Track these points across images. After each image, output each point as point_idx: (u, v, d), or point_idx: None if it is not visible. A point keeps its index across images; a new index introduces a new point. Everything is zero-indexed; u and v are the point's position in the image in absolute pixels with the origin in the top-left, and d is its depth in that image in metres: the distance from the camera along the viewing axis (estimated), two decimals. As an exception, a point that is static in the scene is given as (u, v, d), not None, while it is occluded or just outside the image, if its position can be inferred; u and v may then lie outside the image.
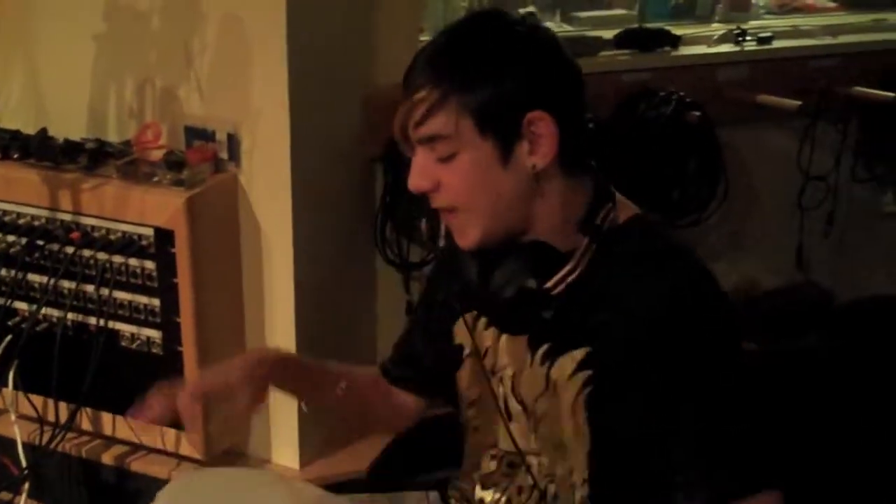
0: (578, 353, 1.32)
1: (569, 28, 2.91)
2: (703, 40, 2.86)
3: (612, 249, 1.32)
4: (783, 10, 3.29)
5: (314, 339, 2.08)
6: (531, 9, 4.22)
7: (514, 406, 1.42)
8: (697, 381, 1.27)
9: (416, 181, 1.32)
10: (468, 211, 1.31)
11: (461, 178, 1.29)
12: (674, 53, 2.74)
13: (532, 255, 1.31)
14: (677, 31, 2.80)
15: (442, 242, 1.42)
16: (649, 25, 2.86)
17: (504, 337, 1.42)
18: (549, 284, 1.30)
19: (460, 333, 1.48)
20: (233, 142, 1.97)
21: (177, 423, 1.43)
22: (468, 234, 1.33)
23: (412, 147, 1.32)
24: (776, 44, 2.92)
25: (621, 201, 1.37)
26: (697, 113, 2.53)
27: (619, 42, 2.69)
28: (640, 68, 2.65)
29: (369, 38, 2.11)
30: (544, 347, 1.36)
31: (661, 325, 1.27)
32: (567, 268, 1.30)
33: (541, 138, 1.27)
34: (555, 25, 2.97)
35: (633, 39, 2.70)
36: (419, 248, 2.28)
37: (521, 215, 1.32)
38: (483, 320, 1.44)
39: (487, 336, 1.44)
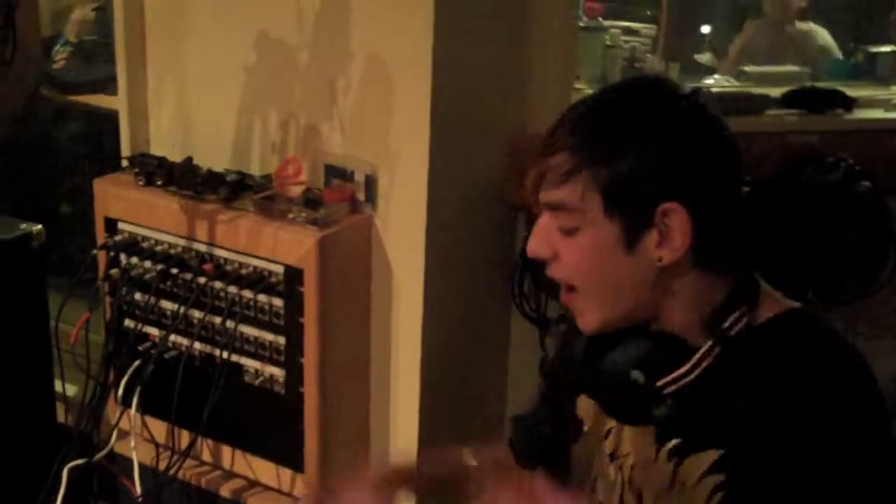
0: (710, 455, 1.20)
1: (735, 83, 2.79)
2: (881, 104, 2.68)
3: (744, 354, 1.19)
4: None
5: (440, 392, 2.02)
6: (708, 55, 4.11)
7: (629, 499, 1.31)
8: (838, 496, 1.13)
9: (535, 246, 1.23)
10: (586, 294, 1.22)
11: (579, 255, 1.20)
12: (846, 117, 2.58)
13: (650, 346, 1.20)
14: (853, 93, 2.63)
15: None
16: (822, 85, 2.70)
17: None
18: (661, 382, 1.19)
19: (583, 407, 1.38)
20: (370, 183, 1.93)
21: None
22: (587, 319, 1.23)
23: (539, 208, 1.24)
24: (960, 111, 2.71)
25: (770, 296, 1.24)
26: (867, 183, 2.36)
27: (787, 101, 2.54)
28: (808, 130, 2.49)
29: (519, 84, 2.05)
30: (673, 443, 1.24)
31: (799, 436, 1.13)
32: (682, 369, 1.18)
33: (672, 231, 1.16)
34: (722, 79, 2.86)
35: (803, 99, 2.55)
36: (558, 304, 2.19)
37: (645, 306, 1.21)
38: None
39: (611, 418, 1.34)
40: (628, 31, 3.58)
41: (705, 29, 4.53)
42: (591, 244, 1.19)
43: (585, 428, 1.38)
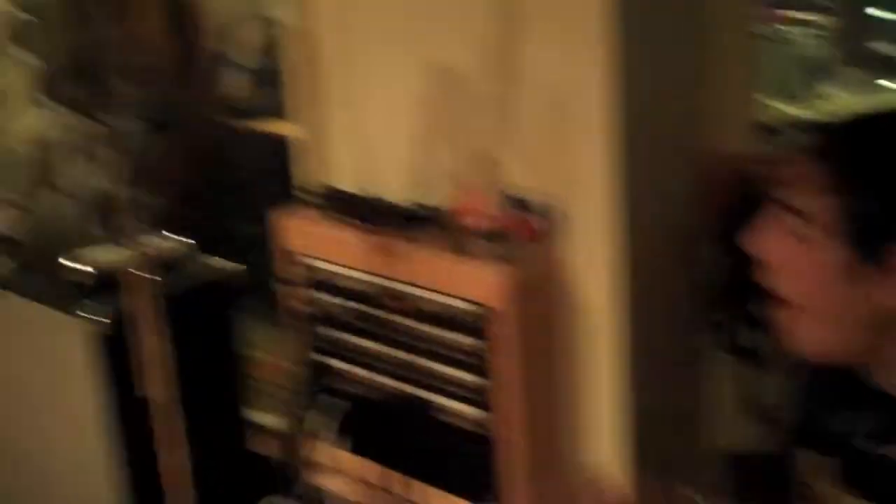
0: None
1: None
2: None
3: None
4: None
5: (644, 429, 1.94)
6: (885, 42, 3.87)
7: None
8: None
9: (763, 247, 1.22)
10: (803, 312, 1.18)
11: (806, 269, 1.17)
12: None
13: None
14: None
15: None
16: None
17: None
18: None
19: (807, 460, 1.31)
20: (555, 215, 1.88)
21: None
22: (797, 337, 1.20)
23: (778, 206, 1.21)
24: None
25: None
26: None
27: None
28: None
29: (702, 104, 1.96)
30: None
31: None
32: None
33: (894, 275, 1.12)
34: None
35: None
36: (759, 336, 2.08)
37: (864, 344, 1.17)
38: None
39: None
40: (801, 23, 3.43)
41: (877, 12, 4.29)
42: (816, 260, 1.16)
43: (813, 489, 1.31)
